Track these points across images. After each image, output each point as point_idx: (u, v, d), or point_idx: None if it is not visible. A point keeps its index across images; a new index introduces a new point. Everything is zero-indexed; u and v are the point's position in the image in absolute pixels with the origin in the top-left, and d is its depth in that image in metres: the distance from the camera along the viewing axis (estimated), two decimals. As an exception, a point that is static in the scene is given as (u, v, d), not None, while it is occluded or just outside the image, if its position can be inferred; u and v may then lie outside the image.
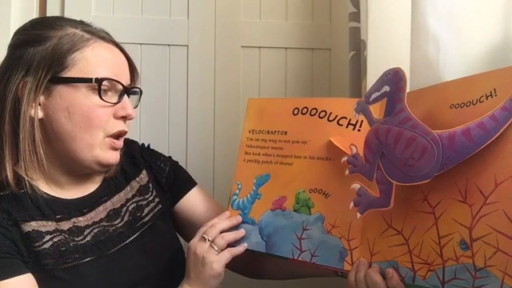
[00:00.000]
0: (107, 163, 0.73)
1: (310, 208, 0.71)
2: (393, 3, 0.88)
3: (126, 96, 0.73)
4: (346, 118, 0.71)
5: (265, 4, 1.39)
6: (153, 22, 1.33)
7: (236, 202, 0.77)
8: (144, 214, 0.79)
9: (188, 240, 0.81)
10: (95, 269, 0.70)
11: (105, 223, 0.74)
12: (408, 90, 0.64)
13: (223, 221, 0.75)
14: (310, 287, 1.20)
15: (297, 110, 0.75)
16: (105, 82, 0.69)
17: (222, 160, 1.34)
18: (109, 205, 0.77)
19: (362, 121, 0.69)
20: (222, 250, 0.71)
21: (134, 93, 0.77)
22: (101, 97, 0.69)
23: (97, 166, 0.72)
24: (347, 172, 0.67)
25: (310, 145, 0.73)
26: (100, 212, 0.75)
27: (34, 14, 1.26)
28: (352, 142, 0.68)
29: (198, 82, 1.35)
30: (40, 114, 0.69)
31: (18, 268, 0.65)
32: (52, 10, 1.29)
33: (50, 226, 0.70)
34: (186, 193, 0.86)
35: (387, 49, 0.89)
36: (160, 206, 0.82)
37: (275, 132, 0.77)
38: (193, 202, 0.86)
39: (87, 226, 0.73)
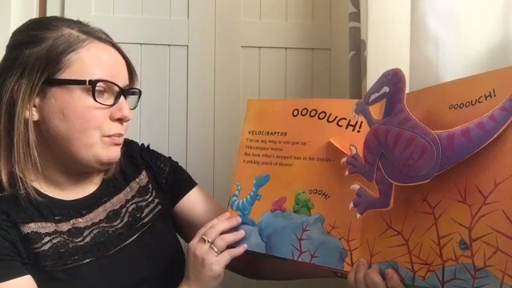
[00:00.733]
0: (108, 160, 0.72)
1: (309, 209, 0.71)
2: (393, 3, 0.88)
3: (122, 97, 0.72)
4: (345, 118, 0.71)
5: (265, 4, 1.39)
6: (153, 22, 1.33)
7: (236, 203, 0.77)
8: (144, 214, 0.79)
9: (188, 240, 0.81)
10: (95, 270, 0.70)
11: (104, 224, 0.74)
12: (407, 90, 0.64)
13: (223, 222, 0.74)
14: (311, 287, 1.20)
15: (296, 111, 0.76)
16: (100, 84, 0.69)
17: (222, 160, 1.34)
18: (108, 206, 0.77)
19: (361, 122, 0.69)
20: (222, 252, 0.71)
21: (133, 93, 0.76)
22: (95, 99, 0.68)
23: (97, 164, 0.72)
24: (347, 172, 0.67)
25: (309, 146, 0.73)
26: (99, 213, 0.75)
27: (34, 14, 1.26)
28: (352, 142, 0.68)
29: (197, 82, 1.35)
30: (35, 116, 0.68)
31: (17, 270, 0.65)
32: (52, 10, 1.28)
33: (49, 227, 0.70)
34: (186, 193, 0.86)
35: (387, 49, 0.89)
36: (160, 206, 0.82)
37: (275, 133, 0.77)
38: (193, 202, 0.86)
39: (87, 227, 0.73)
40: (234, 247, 0.73)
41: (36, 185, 0.71)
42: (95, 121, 0.69)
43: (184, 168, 0.90)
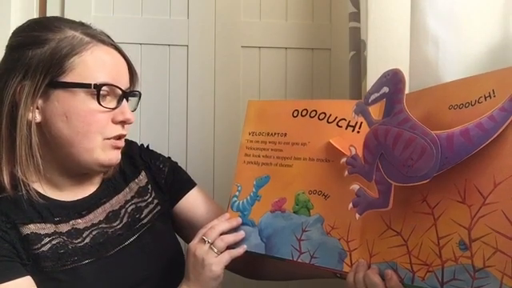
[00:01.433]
0: (108, 164, 0.73)
1: (309, 209, 0.71)
2: (393, 3, 0.88)
3: (124, 100, 0.72)
4: (345, 119, 0.71)
5: (265, 4, 1.39)
6: (153, 22, 1.33)
7: (236, 203, 0.78)
8: (143, 215, 0.79)
9: (187, 241, 0.81)
10: (94, 270, 0.70)
11: (104, 225, 0.74)
12: (407, 90, 0.64)
13: (223, 223, 0.75)
14: (312, 287, 1.20)
15: (296, 111, 0.76)
16: (104, 87, 0.69)
17: (222, 160, 1.34)
18: (107, 207, 0.76)
19: (361, 122, 0.69)
20: (222, 252, 0.71)
21: (134, 96, 0.76)
22: (99, 103, 0.68)
23: (98, 167, 0.72)
24: (346, 173, 0.67)
25: (309, 146, 0.73)
26: (99, 214, 0.75)
27: (34, 14, 1.26)
28: (351, 143, 0.68)
29: (198, 82, 1.35)
30: (38, 118, 0.68)
31: (17, 271, 0.65)
32: (52, 10, 1.28)
33: (48, 228, 0.70)
34: (186, 194, 0.85)
35: (387, 49, 0.89)
36: (159, 207, 0.82)
37: (275, 134, 0.77)
38: (192, 202, 0.86)
39: (86, 228, 0.73)
40: (233, 248, 0.73)
41: (37, 186, 0.71)
42: (98, 124, 0.69)
43: (184, 168, 0.90)
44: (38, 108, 0.68)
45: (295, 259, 0.70)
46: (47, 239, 0.69)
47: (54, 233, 0.70)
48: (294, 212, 0.72)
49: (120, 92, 0.71)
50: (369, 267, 0.63)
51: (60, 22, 0.71)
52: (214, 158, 1.35)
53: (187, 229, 0.85)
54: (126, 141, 0.81)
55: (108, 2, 1.31)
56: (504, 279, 0.51)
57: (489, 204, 0.53)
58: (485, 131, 0.53)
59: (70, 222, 0.72)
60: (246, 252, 0.74)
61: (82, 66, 0.68)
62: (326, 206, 0.70)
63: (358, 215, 0.65)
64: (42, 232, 0.69)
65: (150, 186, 0.83)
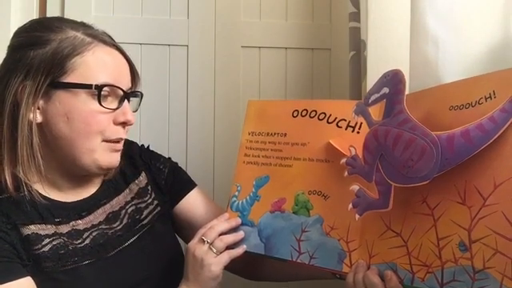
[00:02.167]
0: (108, 166, 0.72)
1: (308, 210, 0.71)
2: (393, 3, 0.88)
3: (126, 101, 0.72)
4: (345, 120, 0.71)
5: (265, 4, 1.39)
6: (153, 22, 1.33)
7: (235, 203, 0.77)
8: (143, 216, 0.79)
9: (187, 241, 0.81)
10: (94, 271, 0.70)
11: (104, 226, 0.74)
12: (407, 90, 0.64)
13: (222, 223, 0.74)
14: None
15: (296, 112, 0.76)
16: (105, 88, 0.69)
17: (222, 160, 1.34)
18: (108, 208, 0.76)
19: (361, 123, 0.69)
20: (221, 253, 0.71)
21: (135, 96, 0.76)
22: (100, 103, 0.68)
23: (97, 169, 0.72)
24: (346, 173, 0.67)
25: (309, 147, 0.73)
26: (99, 215, 0.75)
27: (34, 14, 1.26)
28: (351, 143, 0.67)
29: (198, 82, 1.35)
30: (39, 119, 0.68)
31: (17, 271, 0.65)
32: (52, 10, 1.28)
33: (49, 229, 0.69)
34: (186, 194, 0.85)
35: (387, 49, 0.89)
36: (159, 208, 0.82)
37: (275, 134, 0.77)
38: (192, 203, 0.85)
39: (86, 230, 0.73)
40: (233, 248, 0.73)
41: (38, 187, 0.71)
42: (98, 125, 0.69)
43: (184, 168, 0.90)
44: (39, 108, 0.68)
45: (294, 260, 0.70)
46: (47, 240, 0.69)
47: (55, 234, 0.70)
48: (294, 212, 0.72)
49: (121, 93, 0.71)
50: (368, 268, 0.63)
51: (61, 23, 0.71)
52: (214, 157, 1.35)
53: (187, 229, 0.85)
54: (127, 141, 0.81)
55: (108, 2, 1.31)
56: (504, 281, 0.51)
57: (489, 205, 0.53)
58: (485, 132, 0.53)
59: (71, 223, 0.72)
60: (246, 252, 0.73)
61: (83, 66, 0.68)
62: (325, 207, 0.70)
63: (357, 216, 0.65)
64: (43, 233, 0.69)
65: (150, 187, 0.82)
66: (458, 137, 0.55)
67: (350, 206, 0.66)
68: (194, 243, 0.72)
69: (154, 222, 0.80)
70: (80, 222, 0.73)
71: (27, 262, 0.67)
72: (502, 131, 0.53)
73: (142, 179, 0.82)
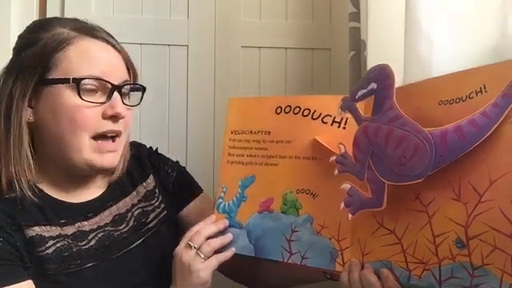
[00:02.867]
0: (99, 167, 0.70)
1: (297, 209, 0.69)
2: (393, 3, 0.88)
3: (116, 94, 0.70)
4: (330, 115, 0.69)
5: (265, 4, 1.39)
6: (153, 22, 1.33)
7: (222, 205, 0.75)
8: (149, 219, 0.79)
9: None
10: (98, 273, 0.71)
11: (109, 228, 0.74)
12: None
13: (209, 226, 0.72)
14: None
15: (279, 108, 0.74)
16: (87, 81, 0.67)
17: (222, 160, 1.34)
18: (114, 209, 0.76)
19: (346, 118, 0.67)
20: (209, 257, 0.69)
21: (133, 90, 0.74)
22: (80, 97, 0.66)
23: (91, 170, 0.71)
24: (336, 172, 0.65)
25: (294, 144, 0.71)
26: (105, 217, 0.75)
27: (34, 14, 1.26)
28: (337, 139, 0.66)
29: (197, 81, 1.35)
30: (32, 118, 0.68)
31: (18, 274, 0.65)
32: (52, 10, 1.28)
33: (53, 231, 0.69)
34: (192, 200, 0.85)
35: (387, 49, 0.89)
36: (165, 211, 0.81)
37: (258, 132, 0.75)
38: (198, 208, 0.85)
39: (92, 231, 0.72)
40: (221, 251, 0.71)
41: (44, 187, 0.71)
42: (84, 121, 0.67)
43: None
44: (32, 108, 0.68)
45: (286, 260, 0.68)
46: (51, 242, 0.68)
47: (59, 235, 0.69)
48: (283, 212, 0.70)
49: (109, 86, 0.69)
50: (362, 266, 0.62)
51: (54, 21, 0.71)
52: (214, 158, 1.35)
53: None
54: (135, 143, 0.81)
55: (108, 2, 1.31)
56: (504, 277, 0.50)
57: (485, 201, 0.52)
58: (478, 128, 0.53)
59: (76, 224, 0.72)
60: (235, 255, 0.72)
61: (65, 61, 0.67)
62: (314, 205, 0.68)
63: (350, 215, 0.63)
64: (47, 234, 0.69)
65: (157, 190, 0.82)
66: (451, 133, 0.54)
67: (342, 205, 0.64)
68: (180, 248, 0.70)
69: (160, 226, 0.80)
70: (86, 223, 0.72)
71: (29, 264, 0.67)
72: (495, 127, 0.52)
73: (150, 182, 0.82)
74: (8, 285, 0.63)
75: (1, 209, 0.68)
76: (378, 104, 0.61)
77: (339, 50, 1.38)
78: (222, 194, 0.76)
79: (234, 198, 0.74)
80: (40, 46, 0.68)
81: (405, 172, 0.57)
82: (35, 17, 1.26)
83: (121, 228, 0.75)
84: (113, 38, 0.73)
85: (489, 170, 0.53)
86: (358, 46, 1.02)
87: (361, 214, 0.63)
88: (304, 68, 1.40)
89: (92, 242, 0.71)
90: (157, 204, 0.81)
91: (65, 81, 0.67)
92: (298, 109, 0.72)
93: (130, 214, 0.77)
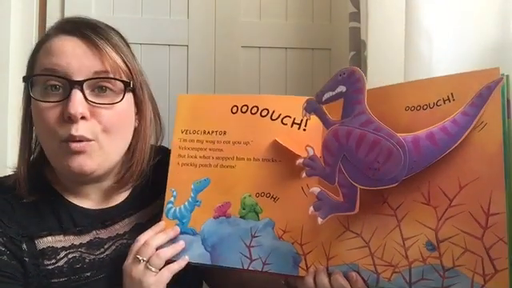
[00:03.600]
0: (79, 171, 0.64)
1: (258, 213, 0.67)
2: (393, 3, 0.88)
3: (75, 91, 0.62)
4: (290, 116, 0.67)
5: (265, 4, 1.39)
6: (153, 22, 1.33)
7: (171, 210, 0.69)
8: None
9: None
10: (110, 285, 0.68)
11: (128, 237, 0.71)
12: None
13: (158, 236, 0.66)
14: None
15: (236, 107, 0.70)
16: (42, 78, 0.63)
17: (222, 160, 1.34)
18: (134, 219, 0.72)
19: (307, 120, 0.66)
20: (160, 269, 0.64)
21: (130, 87, 0.67)
22: (31, 95, 0.63)
23: (73, 175, 0.66)
24: (304, 175, 0.63)
25: (253, 145, 0.68)
26: (125, 225, 0.71)
27: (34, 14, 1.27)
28: (297, 141, 0.64)
29: (198, 82, 1.35)
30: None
31: None
32: (52, 10, 1.29)
33: (66, 241, 0.67)
34: None
35: (387, 49, 0.89)
36: None
37: (212, 132, 0.70)
38: None
39: (110, 239, 0.69)
40: (174, 261, 0.66)
41: (62, 191, 0.69)
42: (46, 124, 0.63)
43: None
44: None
45: (246, 268, 0.65)
46: (63, 253, 0.66)
47: (72, 246, 0.67)
48: (241, 217, 0.67)
49: (66, 81, 0.62)
50: (327, 270, 0.62)
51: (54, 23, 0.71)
52: (214, 157, 1.35)
53: None
54: (163, 148, 0.78)
55: (108, 2, 1.32)
56: (475, 277, 0.52)
57: (455, 206, 0.54)
58: (450, 135, 0.54)
59: (93, 232, 0.69)
60: (190, 263, 0.67)
61: (36, 61, 0.66)
62: (275, 209, 0.66)
63: (320, 219, 0.61)
64: (59, 245, 0.66)
65: None
66: (424, 139, 0.55)
67: (311, 209, 0.62)
68: (128, 263, 0.64)
69: None
70: (103, 230, 0.70)
71: (32, 279, 0.64)
72: (466, 134, 0.54)
73: None
74: None
75: (16, 218, 0.65)
76: (347, 107, 0.60)
77: (339, 50, 1.38)
78: (172, 199, 0.70)
79: (186, 203, 0.69)
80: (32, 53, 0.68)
81: (378, 176, 0.57)
82: (35, 17, 1.26)
83: None
84: (100, 32, 0.66)
85: (458, 175, 0.54)
86: (358, 46, 1.02)
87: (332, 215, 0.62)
88: (304, 68, 1.41)
89: (108, 252, 0.69)
90: None
91: (23, 81, 0.66)
92: (255, 108, 0.69)
93: (150, 225, 0.69)
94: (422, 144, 0.55)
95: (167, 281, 0.64)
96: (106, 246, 0.69)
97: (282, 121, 0.68)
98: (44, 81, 0.63)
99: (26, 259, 0.64)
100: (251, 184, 0.68)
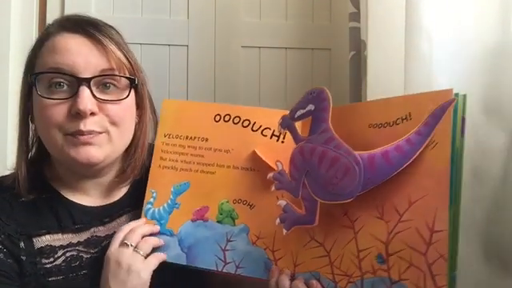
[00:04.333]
0: (84, 161, 0.65)
1: (234, 219, 0.70)
2: (393, 3, 0.88)
3: (83, 88, 0.63)
4: (269, 128, 0.71)
5: (265, 4, 1.39)
6: (153, 22, 1.34)
7: (150, 211, 0.71)
8: None
9: None
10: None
11: None
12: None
13: (144, 225, 0.68)
14: None
15: (219, 116, 0.73)
16: (49, 76, 0.64)
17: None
18: (131, 216, 0.73)
19: (285, 132, 0.69)
20: (147, 256, 0.65)
21: (134, 83, 0.68)
22: (38, 93, 0.64)
23: (78, 166, 0.66)
24: (273, 188, 0.67)
25: (233, 154, 0.71)
26: (122, 222, 0.72)
27: (34, 14, 1.28)
28: (276, 153, 0.68)
29: (197, 82, 1.35)
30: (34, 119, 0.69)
31: None
32: (52, 10, 1.30)
33: (64, 239, 0.67)
34: None
35: (387, 49, 0.90)
36: None
37: (195, 138, 0.73)
38: None
39: (107, 237, 0.70)
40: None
41: (59, 186, 0.70)
42: (51, 118, 0.64)
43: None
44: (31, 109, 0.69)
45: (220, 269, 0.68)
46: (61, 252, 0.67)
47: (70, 244, 0.68)
48: (218, 221, 0.70)
49: (74, 79, 0.64)
50: (292, 276, 0.64)
51: (53, 21, 0.71)
52: (214, 157, 1.35)
53: None
54: None
55: (108, 2, 1.32)
56: None
57: (404, 221, 0.56)
58: (403, 153, 0.56)
59: (91, 230, 0.70)
60: (166, 262, 0.68)
61: (39, 59, 0.66)
62: (251, 216, 0.69)
63: (285, 231, 0.65)
64: (57, 244, 0.67)
65: None
66: (379, 157, 0.57)
67: (278, 221, 0.66)
68: (115, 249, 0.65)
69: None
70: (102, 228, 0.70)
71: (29, 277, 0.64)
72: (418, 153, 0.56)
73: None
74: None
75: (14, 216, 0.66)
76: (314, 125, 0.64)
77: (339, 50, 1.39)
78: (152, 200, 0.72)
79: (165, 205, 0.72)
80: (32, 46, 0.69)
81: (336, 191, 0.60)
82: (35, 17, 1.27)
83: None
84: (102, 30, 0.68)
85: (409, 192, 0.57)
86: (358, 46, 1.03)
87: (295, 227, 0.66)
88: (304, 68, 1.41)
89: (105, 250, 0.67)
90: None
91: (27, 78, 0.67)
92: (237, 118, 0.72)
93: None
94: (376, 161, 0.57)
95: (154, 267, 0.65)
96: (103, 244, 0.69)
97: (262, 132, 0.71)
98: (49, 78, 0.64)
99: (23, 258, 0.65)
100: (229, 191, 0.71)
